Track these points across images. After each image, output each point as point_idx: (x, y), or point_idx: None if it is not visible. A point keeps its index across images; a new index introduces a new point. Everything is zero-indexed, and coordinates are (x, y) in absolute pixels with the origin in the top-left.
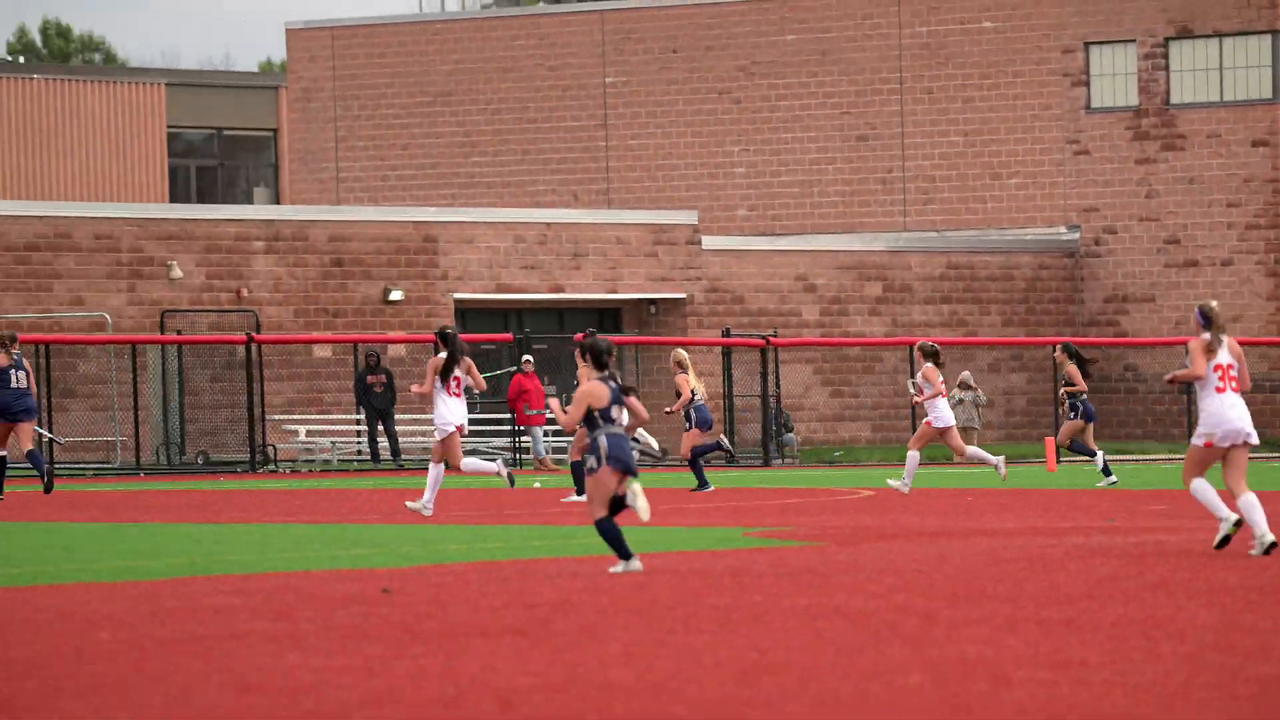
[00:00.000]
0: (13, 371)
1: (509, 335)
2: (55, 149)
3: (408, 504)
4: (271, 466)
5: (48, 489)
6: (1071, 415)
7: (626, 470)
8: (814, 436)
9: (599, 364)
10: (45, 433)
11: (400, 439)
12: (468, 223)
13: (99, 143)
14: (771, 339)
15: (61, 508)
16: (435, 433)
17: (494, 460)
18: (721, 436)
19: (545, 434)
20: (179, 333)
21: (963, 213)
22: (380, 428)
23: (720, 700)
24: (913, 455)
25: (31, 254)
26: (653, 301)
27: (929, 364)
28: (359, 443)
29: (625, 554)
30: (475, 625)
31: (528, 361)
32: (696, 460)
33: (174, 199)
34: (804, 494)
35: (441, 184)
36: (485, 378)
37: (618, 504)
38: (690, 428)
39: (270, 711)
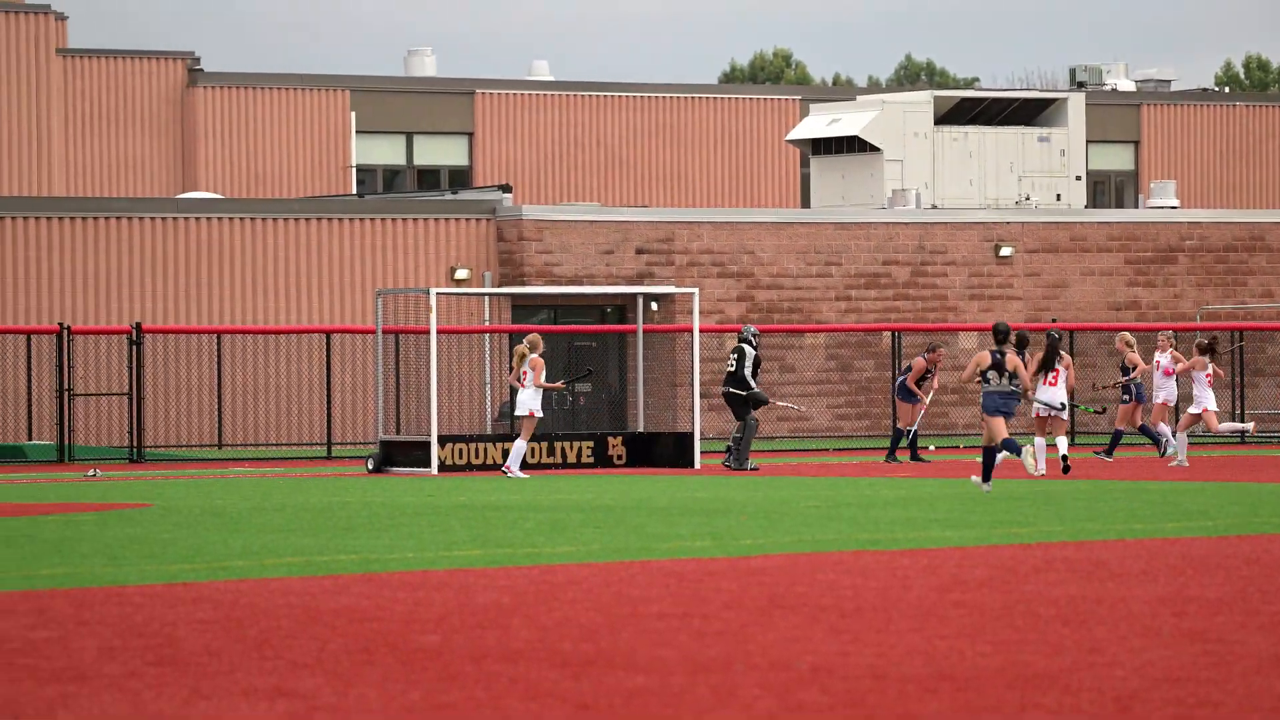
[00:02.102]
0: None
1: None
2: (1252, 164)
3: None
4: None
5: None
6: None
7: (997, 413)
8: None
9: (997, 340)
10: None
11: None
12: None
13: None
14: None
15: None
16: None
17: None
18: None
19: None
20: None
21: None
22: None
23: None
24: None
25: (1229, 254)
26: None
27: None
28: None
29: (986, 477)
30: None
31: None
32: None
33: None
34: None
35: None
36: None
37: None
38: (1130, 401)
39: None
